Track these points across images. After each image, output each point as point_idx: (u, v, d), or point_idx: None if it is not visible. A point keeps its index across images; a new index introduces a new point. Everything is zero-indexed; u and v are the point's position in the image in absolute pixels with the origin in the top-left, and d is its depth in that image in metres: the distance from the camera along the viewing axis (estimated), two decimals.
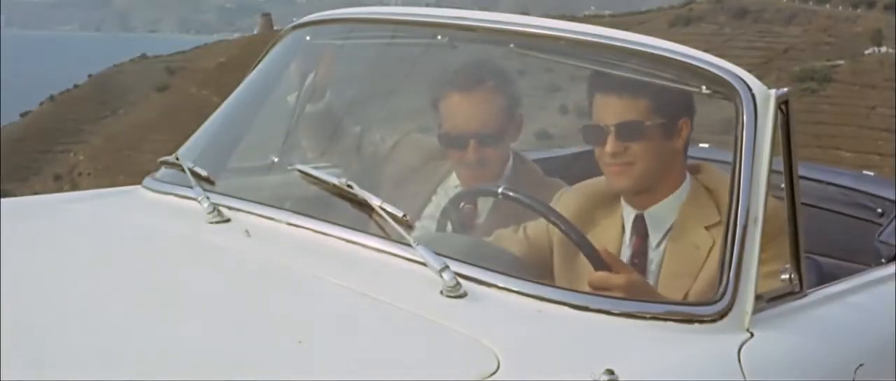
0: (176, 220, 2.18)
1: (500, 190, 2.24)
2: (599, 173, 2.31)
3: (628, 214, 2.27)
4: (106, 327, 1.63)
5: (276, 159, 2.52)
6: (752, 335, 1.92)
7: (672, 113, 2.20)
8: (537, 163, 2.64)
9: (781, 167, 2.07)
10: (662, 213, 2.24)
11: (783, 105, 2.06)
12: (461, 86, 2.45)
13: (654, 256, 2.23)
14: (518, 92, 2.51)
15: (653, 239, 2.24)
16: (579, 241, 2.08)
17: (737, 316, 1.91)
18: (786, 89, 2.09)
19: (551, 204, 2.29)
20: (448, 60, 2.53)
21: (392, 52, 2.65)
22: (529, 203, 2.20)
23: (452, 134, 2.45)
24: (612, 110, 2.20)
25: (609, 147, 2.19)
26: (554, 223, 2.14)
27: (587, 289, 1.97)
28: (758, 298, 1.95)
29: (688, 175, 2.26)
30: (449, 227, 2.25)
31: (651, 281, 2.20)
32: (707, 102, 2.17)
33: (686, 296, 2.10)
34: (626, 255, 2.25)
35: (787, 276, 2.08)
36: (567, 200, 2.31)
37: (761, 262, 1.97)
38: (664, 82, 2.17)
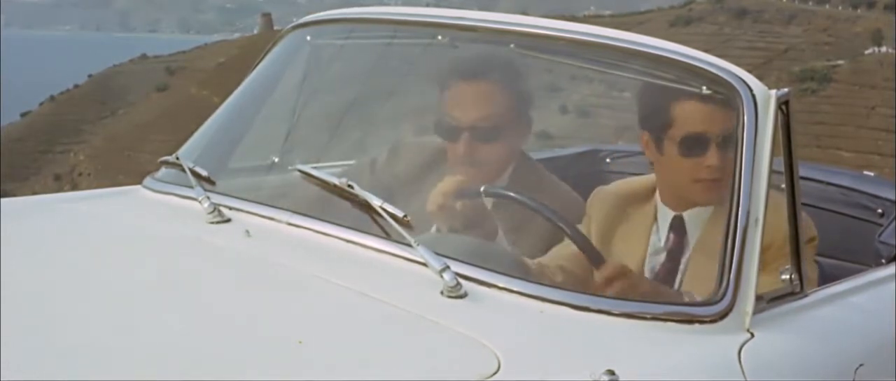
0: (176, 220, 2.18)
1: (482, 189, 2.19)
2: (601, 174, 2.32)
3: (664, 214, 2.30)
4: (106, 327, 1.63)
5: (276, 159, 2.52)
6: (752, 335, 1.92)
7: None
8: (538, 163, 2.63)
9: (781, 167, 2.07)
10: (701, 214, 2.26)
11: (783, 105, 2.06)
12: (464, 74, 2.37)
13: (692, 256, 2.26)
14: (529, 93, 2.42)
15: (692, 239, 2.27)
16: (574, 236, 2.10)
17: (737, 317, 1.91)
18: (786, 90, 2.09)
19: (587, 201, 2.34)
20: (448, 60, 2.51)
21: (392, 52, 2.65)
22: (518, 198, 2.17)
23: (446, 124, 2.36)
24: (712, 120, 2.16)
25: (712, 160, 2.18)
26: (543, 215, 2.15)
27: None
28: (758, 298, 1.95)
29: None
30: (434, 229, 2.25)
31: (678, 280, 2.24)
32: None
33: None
34: (659, 253, 2.28)
35: (788, 276, 2.08)
36: (601, 197, 2.35)
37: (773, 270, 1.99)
38: (664, 83, 2.17)
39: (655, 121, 2.25)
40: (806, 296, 2.13)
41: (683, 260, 2.27)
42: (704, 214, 2.27)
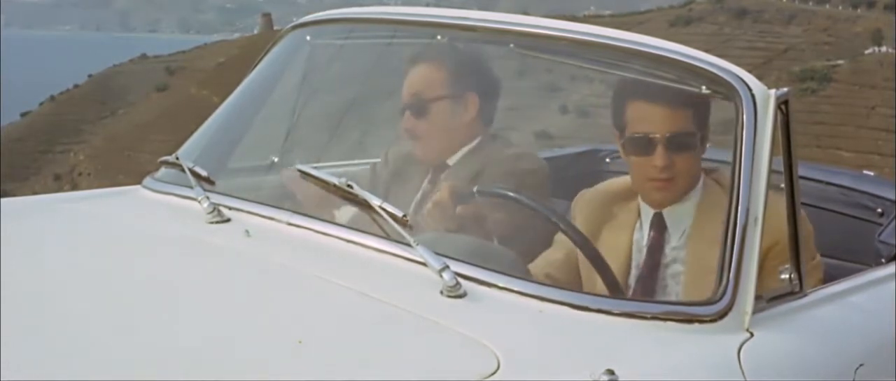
0: (176, 220, 2.18)
1: (474, 189, 2.23)
2: (600, 174, 2.33)
3: (646, 212, 2.32)
4: (106, 327, 1.63)
5: (276, 159, 2.52)
6: (752, 335, 1.91)
7: (704, 120, 2.24)
8: None
9: (781, 167, 2.08)
10: (682, 211, 2.29)
11: (783, 105, 2.06)
12: (408, 57, 2.50)
13: (674, 253, 2.28)
14: (476, 74, 2.49)
15: (673, 236, 2.29)
16: (568, 230, 2.13)
17: (737, 316, 1.91)
18: (786, 89, 2.09)
19: (572, 203, 2.37)
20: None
21: (392, 52, 2.65)
22: (513, 197, 2.19)
23: (402, 101, 2.49)
24: (660, 121, 2.22)
25: (658, 161, 2.22)
26: (538, 210, 2.16)
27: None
28: (758, 298, 1.95)
29: (701, 175, 2.30)
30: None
31: (671, 276, 2.26)
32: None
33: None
34: (642, 251, 2.30)
35: (787, 276, 2.08)
36: (586, 199, 2.38)
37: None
38: (664, 83, 2.18)
39: (617, 121, 2.30)
40: (805, 296, 2.13)
41: (665, 257, 2.29)
42: (685, 211, 2.29)
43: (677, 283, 2.26)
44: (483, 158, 2.42)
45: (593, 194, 2.41)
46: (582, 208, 2.38)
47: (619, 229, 2.34)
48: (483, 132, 2.47)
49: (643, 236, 2.32)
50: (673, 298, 2.24)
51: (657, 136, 2.21)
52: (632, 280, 2.31)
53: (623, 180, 2.41)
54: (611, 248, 2.28)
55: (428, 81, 2.46)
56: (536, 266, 2.25)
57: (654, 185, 2.27)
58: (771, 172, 2.00)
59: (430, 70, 2.46)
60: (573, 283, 2.22)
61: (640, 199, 2.34)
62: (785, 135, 2.07)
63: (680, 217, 2.29)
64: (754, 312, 1.93)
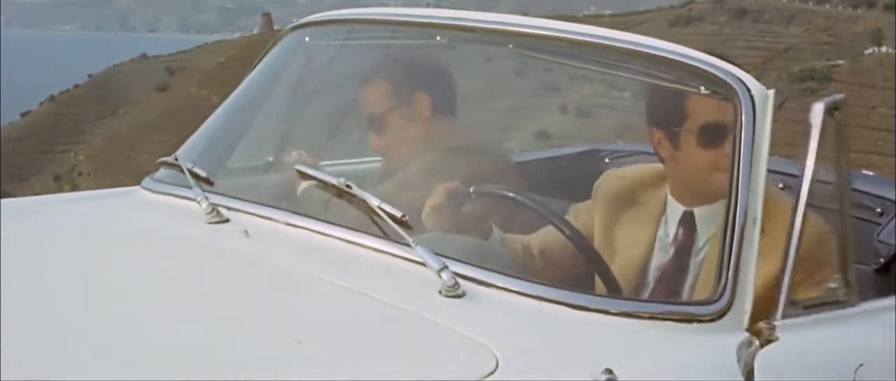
0: (175, 220, 2.19)
1: (471, 189, 2.21)
2: (601, 174, 2.33)
3: (674, 209, 2.29)
4: (106, 327, 1.64)
5: (272, 159, 2.52)
6: (752, 335, 1.92)
7: None
8: (538, 163, 2.63)
9: (780, 167, 2.07)
10: (714, 212, 2.20)
11: (833, 111, 2.05)
12: (360, 79, 2.55)
13: (698, 255, 2.25)
14: (420, 72, 2.51)
15: (700, 238, 2.26)
16: (571, 233, 2.11)
17: (735, 316, 1.91)
18: (838, 96, 2.07)
19: (596, 184, 2.37)
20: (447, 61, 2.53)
21: (391, 53, 2.65)
22: (511, 196, 2.19)
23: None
24: (726, 109, 2.10)
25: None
26: (534, 210, 2.16)
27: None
28: (795, 303, 1.95)
29: None
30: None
31: (691, 279, 2.23)
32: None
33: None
34: (667, 249, 2.27)
35: (835, 285, 2.08)
36: (608, 183, 2.36)
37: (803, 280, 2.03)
38: (664, 83, 2.18)
39: (669, 116, 2.23)
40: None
41: (692, 258, 2.25)
42: (715, 212, 2.22)
43: (703, 284, 2.23)
44: (436, 156, 2.41)
45: (620, 175, 2.39)
46: (605, 190, 2.35)
47: (643, 217, 2.30)
48: (446, 127, 2.46)
49: (668, 233, 2.29)
50: (687, 298, 2.21)
51: (729, 124, 2.06)
52: (651, 279, 2.27)
53: (649, 168, 2.37)
54: (632, 235, 2.27)
55: (374, 97, 2.49)
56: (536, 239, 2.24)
57: (722, 177, 2.07)
58: (769, 172, 2.00)
59: (374, 86, 2.50)
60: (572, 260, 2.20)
61: (669, 195, 2.30)
62: (835, 143, 2.04)
63: (709, 218, 2.23)
64: (784, 317, 1.94)
